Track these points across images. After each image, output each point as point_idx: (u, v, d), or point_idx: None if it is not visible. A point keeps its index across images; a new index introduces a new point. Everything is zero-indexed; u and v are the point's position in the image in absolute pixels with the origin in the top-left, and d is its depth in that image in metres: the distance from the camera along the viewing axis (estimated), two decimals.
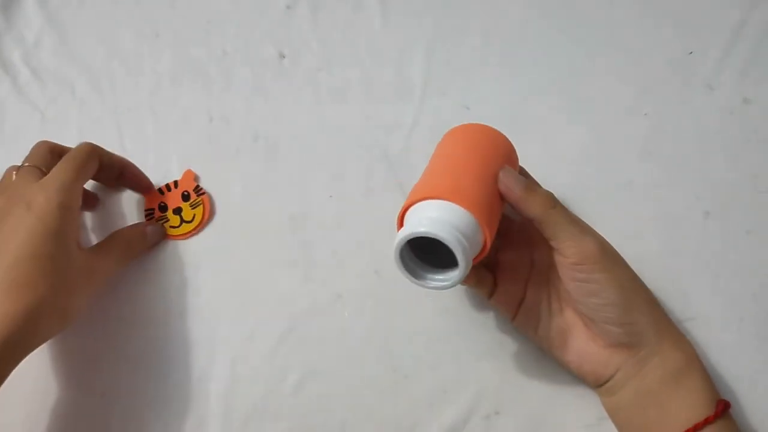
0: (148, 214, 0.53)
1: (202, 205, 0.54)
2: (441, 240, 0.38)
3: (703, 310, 0.50)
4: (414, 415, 0.47)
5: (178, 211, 0.53)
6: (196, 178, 0.55)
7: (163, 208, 0.54)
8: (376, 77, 0.59)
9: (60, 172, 0.45)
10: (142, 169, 0.55)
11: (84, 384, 0.48)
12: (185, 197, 0.54)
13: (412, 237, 0.39)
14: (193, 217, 0.53)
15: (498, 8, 0.61)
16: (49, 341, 0.45)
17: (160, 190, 0.54)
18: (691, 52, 0.59)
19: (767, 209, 0.53)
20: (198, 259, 0.53)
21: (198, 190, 0.54)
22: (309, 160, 0.54)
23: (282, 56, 0.60)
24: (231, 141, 0.57)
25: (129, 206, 0.54)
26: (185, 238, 0.53)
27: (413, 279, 0.41)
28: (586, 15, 0.61)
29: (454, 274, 0.40)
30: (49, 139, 0.50)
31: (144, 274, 0.52)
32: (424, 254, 0.41)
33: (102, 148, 0.49)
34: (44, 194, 0.43)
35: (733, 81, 0.57)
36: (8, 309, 0.39)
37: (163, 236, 0.52)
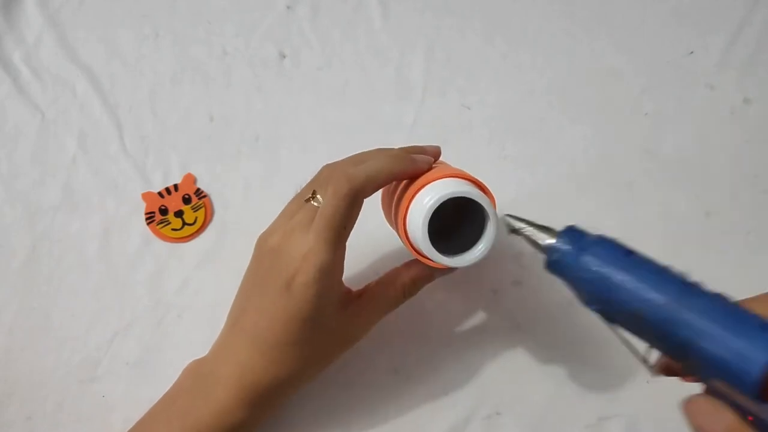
0: (149, 217, 0.53)
1: (203, 208, 0.54)
2: (473, 198, 0.38)
3: None
4: (416, 416, 0.47)
5: (179, 213, 0.54)
6: (195, 182, 0.55)
7: (164, 211, 0.54)
8: (376, 77, 0.59)
9: (319, 241, 0.40)
10: (142, 170, 0.55)
11: None
12: (186, 200, 0.54)
13: (440, 203, 0.37)
14: (195, 220, 0.53)
15: (498, 8, 0.61)
16: None
17: (159, 193, 0.54)
18: (691, 52, 0.59)
19: (767, 209, 0.53)
20: (199, 259, 0.53)
21: (199, 193, 0.54)
22: (309, 160, 0.54)
23: (282, 56, 0.60)
24: (231, 141, 0.57)
25: (128, 210, 0.54)
26: (187, 241, 0.53)
27: (443, 257, 0.39)
28: (586, 15, 0.60)
29: (485, 239, 0.39)
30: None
31: (145, 276, 0.52)
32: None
33: (365, 181, 0.41)
34: (305, 276, 0.40)
35: (733, 81, 0.57)
36: (263, 377, 0.42)
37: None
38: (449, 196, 0.38)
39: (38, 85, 0.58)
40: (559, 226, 0.54)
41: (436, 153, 0.45)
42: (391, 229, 0.47)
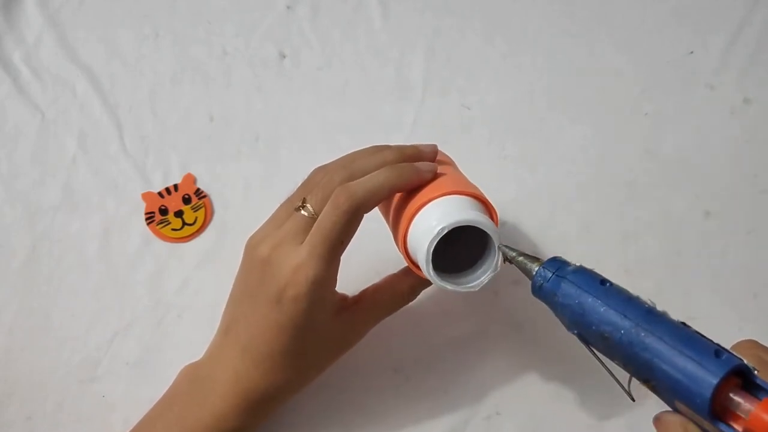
0: (149, 217, 0.53)
1: (203, 208, 0.54)
2: (481, 227, 0.37)
3: (703, 310, 0.50)
4: (415, 416, 0.47)
5: (179, 213, 0.54)
6: (195, 182, 0.55)
7: (164, 211, 0.54)
8: (376, 77, 0.59)
9: (314, 255, 0.39)
10: (143, 169, 0.55)
11: None
12: (186, 200, 0.54)
13: (444, 232, 0.37)
14: (195, 220, 0.53)
15: (498, 8, 0.61)
16: None
17: (159, 193, 0.54)
18: (691, 52, 0.59)
19: (767, 209, 0.53)
20: (199, 259, 0.53)
21: (199, 193, 0.54)
22: (309, 160, 0.54)
23: (282, 56, 0.60)
24: (231, 141, 0.57)
25: (128, 210, 0.54)
26: (187, 241, 0.53)
27: (447, 284, 0.39)
28: (586, 15, 0.61)
29: (489, 265, 0.39)
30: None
31: (145, 276, 0.52)
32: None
33: (367, 196, 0.40)
34: (295, 289, 0.39)
35: (733, 81, 0.57)
36: (258, 384, 0.42)
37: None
38: (457, 225, 0.37)
39: (38, 85, 0.58)
40: (558, 226, 0.54)
41: (432, 154, 0.45)
42: (383, 220, 0.47)
